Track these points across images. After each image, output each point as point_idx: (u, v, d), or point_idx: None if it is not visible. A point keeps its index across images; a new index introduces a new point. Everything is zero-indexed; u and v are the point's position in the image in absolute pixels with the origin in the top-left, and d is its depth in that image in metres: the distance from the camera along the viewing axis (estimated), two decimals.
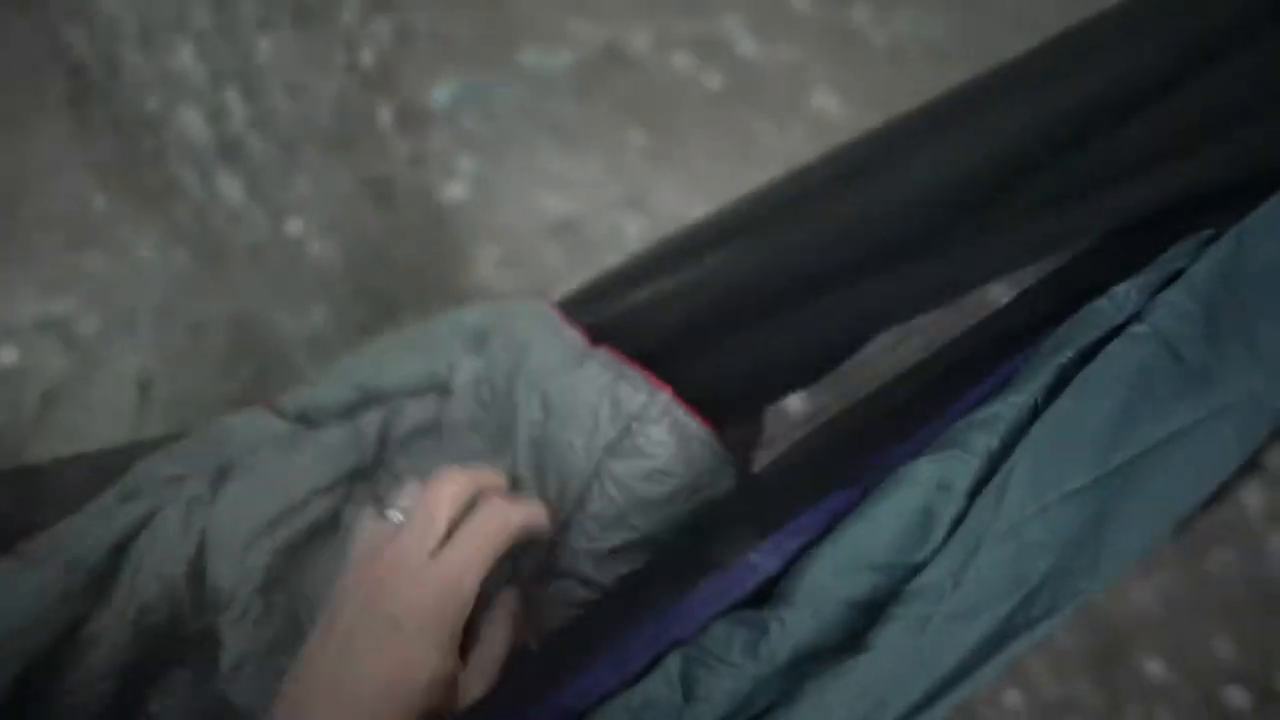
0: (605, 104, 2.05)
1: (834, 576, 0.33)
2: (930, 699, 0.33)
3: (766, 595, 0.34)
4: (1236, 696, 1.30)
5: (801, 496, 0.36)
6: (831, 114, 2.09)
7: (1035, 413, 0.34)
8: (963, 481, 0.33)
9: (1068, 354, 0.34)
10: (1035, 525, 0.33)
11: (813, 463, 0.42)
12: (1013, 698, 1.30)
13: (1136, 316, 0.34)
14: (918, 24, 2.28)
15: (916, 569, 0.33)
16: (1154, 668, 1.33)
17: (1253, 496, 1.52)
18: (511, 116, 1.99)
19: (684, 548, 0.44)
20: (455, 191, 1.83)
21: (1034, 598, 0.33)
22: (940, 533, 0.33)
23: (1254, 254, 0.34)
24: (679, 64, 2.15)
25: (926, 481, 0.33)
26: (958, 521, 0.33)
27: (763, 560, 0.34)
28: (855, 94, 2.10)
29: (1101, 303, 0.35)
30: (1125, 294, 0.35)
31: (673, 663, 0.33)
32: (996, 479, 0.33)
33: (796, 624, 0.32)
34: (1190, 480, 0.34)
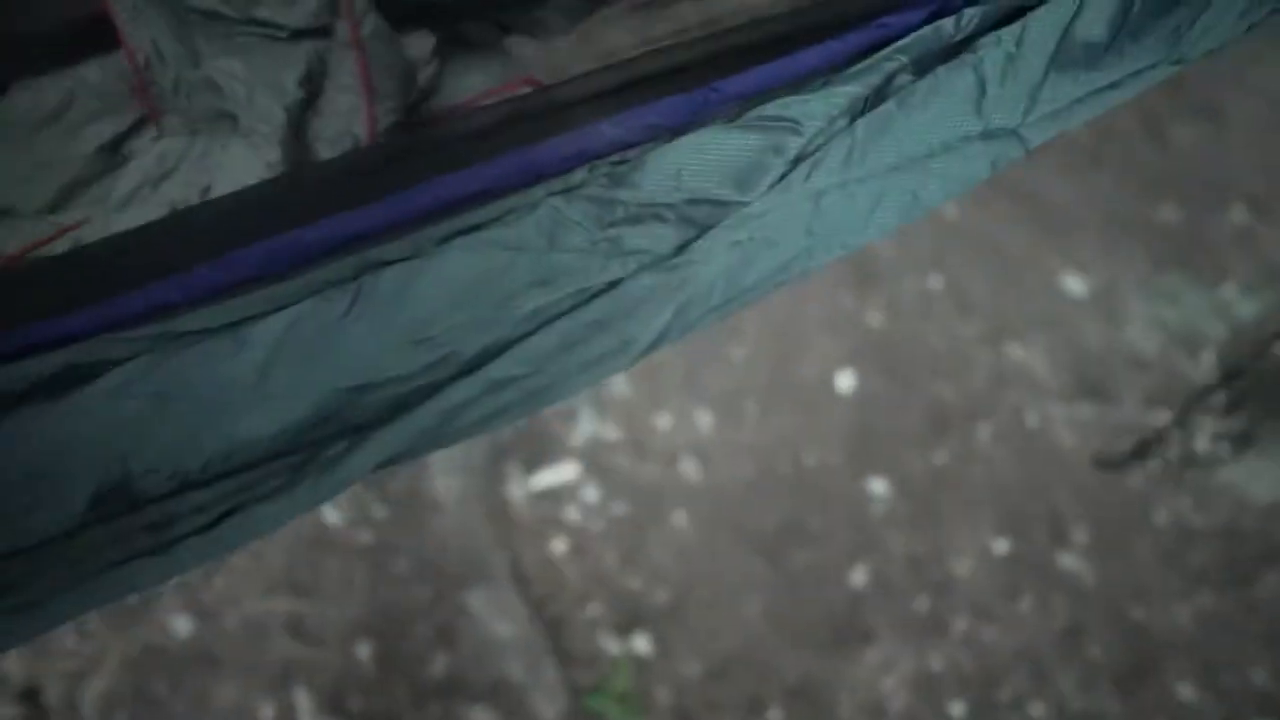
0: None
1: (674, 178, 0.43)
2: (726, 303, 0.45)
3: (619, 168, 0.44)
4: None
5: (649, 90, 0.47)
6: None
7: (863, 106, 0.45)
8: (792, 149, 0.44)
9: (902, 59, 0.45)
10: (832, 195, 0.45)
11: (661, 70, 0.52)
12: (1038, 708, 1.29)
13: (969, 42, 0.45)
14: None
15: (740, 204, 0.44)
16: (1184, 690, 1.31)
17: None
18: None
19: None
20: None
21: (814, 246, 0.46)
22: (766, 182, 0.44)
23: (1080, 32, 0.44)
24: None
25: (764, 144, 0.44)
26: (780, 178, 0.44)
27: (611, 129, 0.45)
28: None
29: (947, 22, 0.45)
30: (969, 18, 0.45)
31: (545, 215, 0.42)
32: (815, 155, 0.44)
33: (634, 201, 0.43)
34: (944, 185, 0.46)
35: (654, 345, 0.45)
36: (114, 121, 0.57)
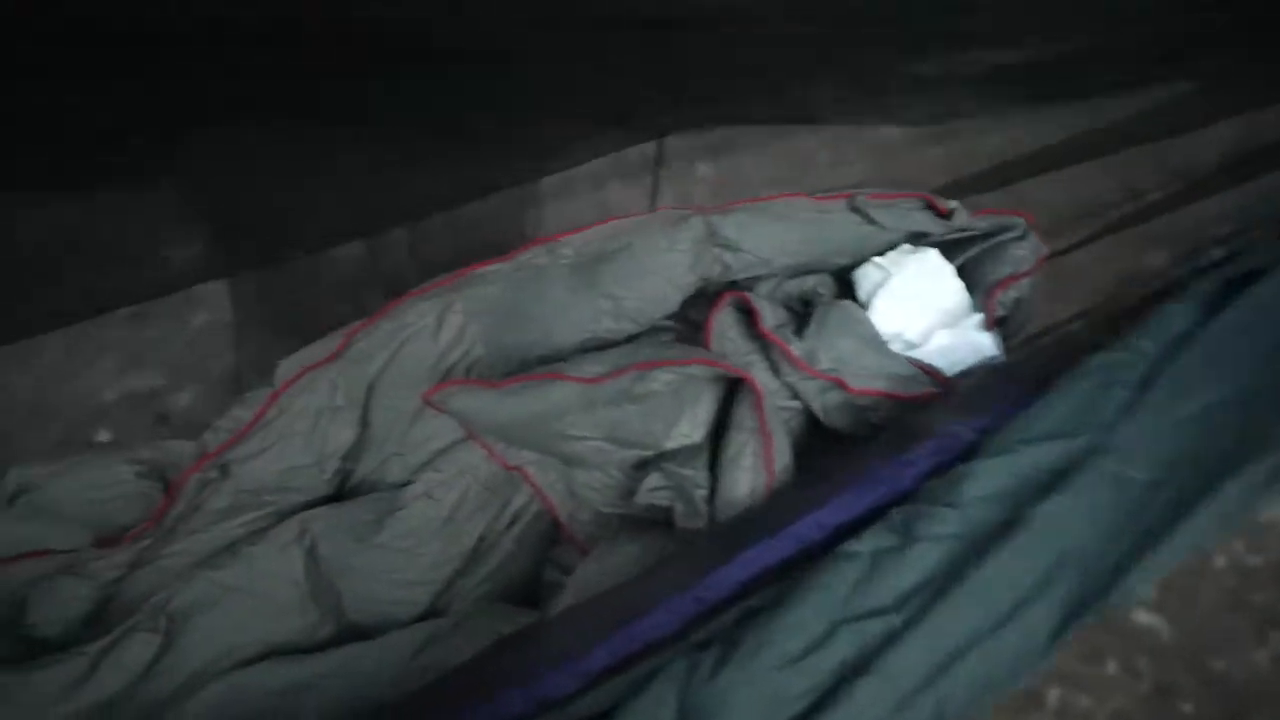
0: None
1: (1021, 444, 0.44)
2: (1133, 557, 0.42)
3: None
4: None
5: (1000, 394, 0.50)
6: None
7: (1199, 324, 0.45)
8: (1129, 375, 0.44)
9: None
10: (1217, 413, 0.43)
11: (1003, 373, 0.57)
12: None
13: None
14: None
15: (1096, 433, 0.43)
16: None
17: None
18: None
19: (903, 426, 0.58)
20: None
21: (1218, 473, 0.42)
22: (1110, 412, 0.43)
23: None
24: None
25: (1097, 371, 0.45)
26: (1127, 406, 0.44)
27: (963, 431, 0.48)
28: None
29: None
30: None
31: (896, 515, 0.45)
32: (1166, 376, 0.43)
33: (989, 473, 0.43)
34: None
35: None
36: None
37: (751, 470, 0.53)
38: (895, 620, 0.41)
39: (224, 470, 0.66)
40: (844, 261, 0.62)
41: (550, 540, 0.63)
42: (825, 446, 0.60)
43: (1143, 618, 1.43)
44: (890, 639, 0.41)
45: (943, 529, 0.43)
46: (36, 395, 1.53)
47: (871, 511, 0.47)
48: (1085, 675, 1.37)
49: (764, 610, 0.43)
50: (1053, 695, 1.36)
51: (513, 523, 0.61)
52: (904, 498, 0.47)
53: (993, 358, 0.60)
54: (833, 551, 0.44)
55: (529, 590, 0.62)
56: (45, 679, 0.54)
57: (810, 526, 0.46)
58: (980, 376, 0.60)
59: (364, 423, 0.64)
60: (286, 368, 0.69)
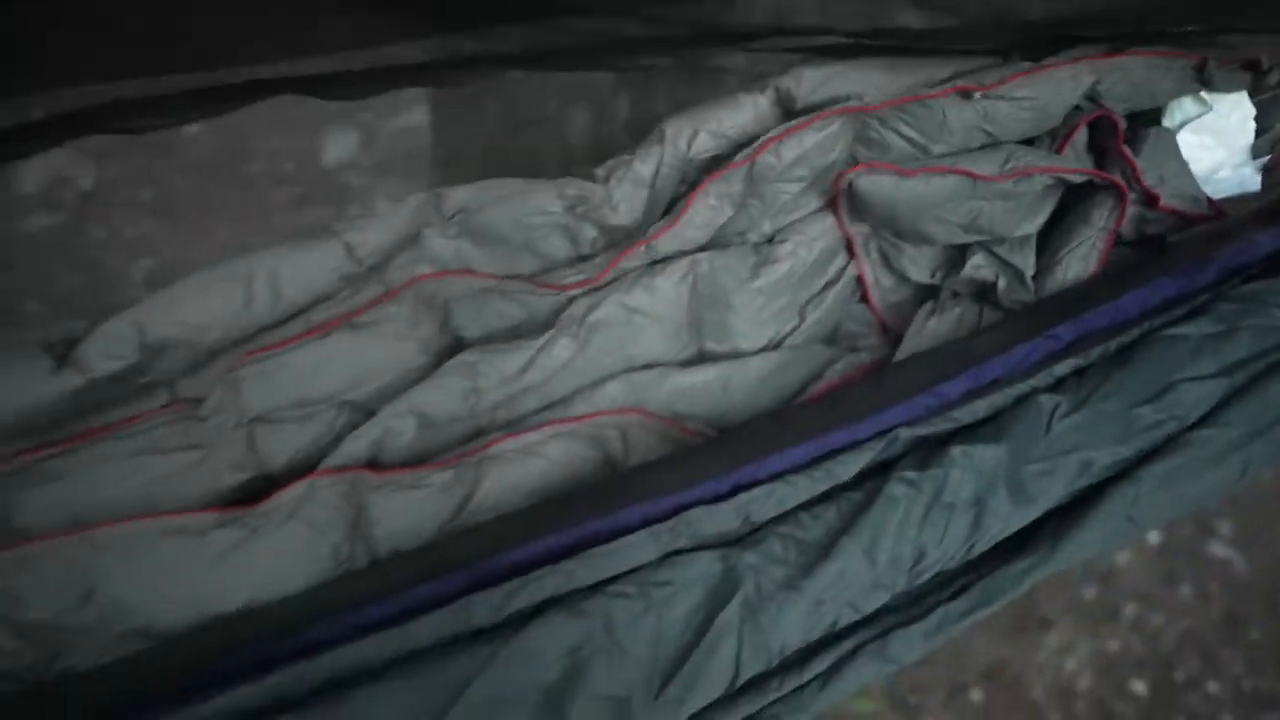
0: None
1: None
2: None
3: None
4: None
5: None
6: None
7: None
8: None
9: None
10: None
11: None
12: (1214, 688, 1.37)
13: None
14: None
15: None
16: None
17: None
18: None
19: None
20: None
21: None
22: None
23: None
24: None
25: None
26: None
27: (1263, 239, 0.55)
28: None
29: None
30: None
31: (1220, 307, 0.53)
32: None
33: None
34: None
35: None
36: None
37: (1084, 260, 0.64)
38: (1224, 384, 0.51)
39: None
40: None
41: (848, 300, 0.74)
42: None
43: (1218, 549, 1.50)
44: (1220, 401, 0.51)
45: (1267, 322, 0.52)
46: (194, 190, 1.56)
47: (1179, 297, 0.56)
48: (1160, 596, 1.45)
49: (1103, 366, 0.54)
50: (1128, 611, 1.43)
51: (830, 284, 0.72)
52: (1204, 290, 0.56)
53: (1253, 194, 0.67)
54: (1161, 331, 0.53)
55: (830, 340, 0.73)
56: (508, 360, 0.64)
57: (1130, 304, 0.56)
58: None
59: (744, 201, 0.69)
60: (675, 124, 0.72)
